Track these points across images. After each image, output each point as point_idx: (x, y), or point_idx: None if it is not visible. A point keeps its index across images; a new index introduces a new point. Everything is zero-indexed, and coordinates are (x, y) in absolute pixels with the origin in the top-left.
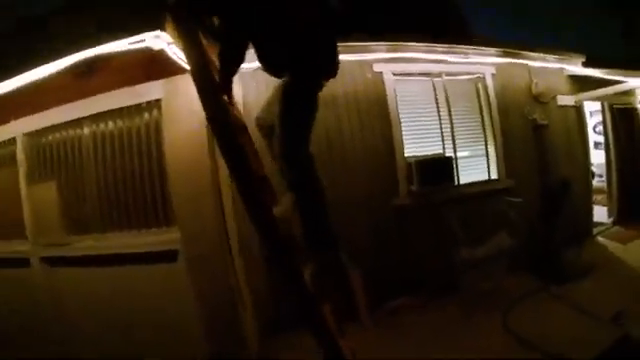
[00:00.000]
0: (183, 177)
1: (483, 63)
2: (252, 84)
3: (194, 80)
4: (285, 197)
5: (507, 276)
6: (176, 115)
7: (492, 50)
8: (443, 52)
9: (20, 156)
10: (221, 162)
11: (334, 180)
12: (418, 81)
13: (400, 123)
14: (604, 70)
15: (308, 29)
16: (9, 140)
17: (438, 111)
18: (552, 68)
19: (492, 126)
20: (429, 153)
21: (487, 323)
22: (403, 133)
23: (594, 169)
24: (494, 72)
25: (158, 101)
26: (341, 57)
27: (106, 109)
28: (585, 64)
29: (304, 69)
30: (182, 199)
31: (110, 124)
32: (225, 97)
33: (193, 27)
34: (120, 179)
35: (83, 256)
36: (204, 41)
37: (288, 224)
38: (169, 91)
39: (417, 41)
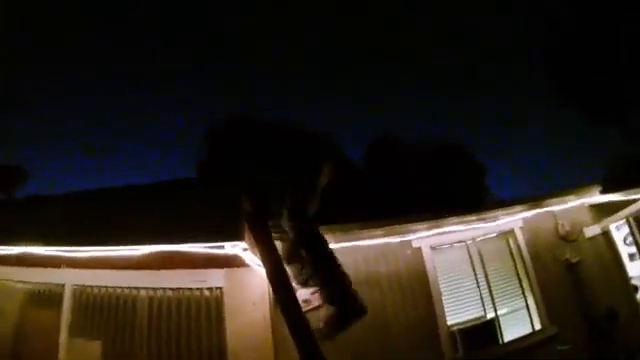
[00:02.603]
0: None
1: (511, 221)
2: None
3: (271, 284)
4: None
5: None
6: (238, 305)
7: (519, 208)
8: (476, 220)
9: (66, 305)
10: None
11: (378, 357)
12: (453, 248)
13: (440, 293)
14: (623, 192)
15: None
16: (57, 285)
17: (474, 273)
18: (574, 205)
19: (527, 276)
20: (470, 317)
21: None
22: (443, 302)
23: (636, 282)
24: (522, 225)
25: (219, 288)
26: (385, 240)
27: (166, 286)
28: (602, 191)
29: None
30: None
31: (170, 294)
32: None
33: (269, 234)
34: (174, 355)
35: None
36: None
37: None
38: (231, 281)
39: (453, 215)
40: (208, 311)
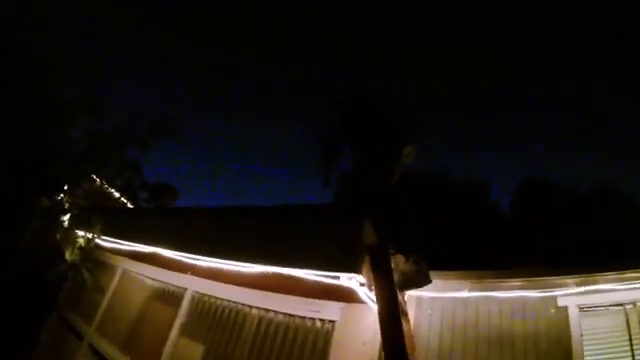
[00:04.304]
0: None
1: None
2: (426, 311)
3: (380, 317)
4: None
5: None
6: (347, 343)
7: None
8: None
9: (184, 307)
10: None
11: None
12: (607, 313)
13: None
14: None
15: None
16: (179, 288)
17: (632, 351)
18: None
19: None
20: None
21: None
22: None
23: None
24: None
25: (332, 322)
26: (524, 293)
27: (278, 310)
28: None
29: None
30: None
31: (280, 318)
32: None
33: (390, 268)
34: None
35: None
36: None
37: None
38: (345, 316)
39: (610, 270)
40: (315, 342)
